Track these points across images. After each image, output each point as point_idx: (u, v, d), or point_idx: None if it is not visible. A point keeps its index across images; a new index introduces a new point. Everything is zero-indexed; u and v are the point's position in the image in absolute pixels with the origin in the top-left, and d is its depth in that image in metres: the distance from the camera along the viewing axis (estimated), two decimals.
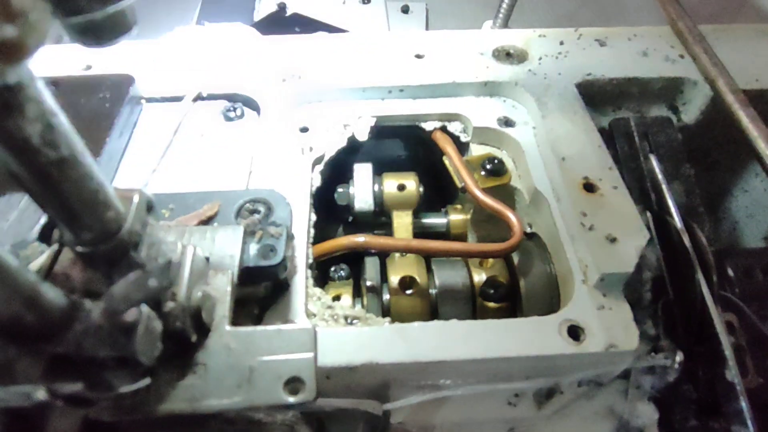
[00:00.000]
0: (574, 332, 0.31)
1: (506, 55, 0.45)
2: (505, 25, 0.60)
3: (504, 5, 0.57)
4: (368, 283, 0.36)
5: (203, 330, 0.24)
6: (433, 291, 0.36)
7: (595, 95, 0.44)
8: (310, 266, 0.33)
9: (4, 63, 0.14)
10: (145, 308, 0.18)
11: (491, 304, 0.35)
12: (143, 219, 0.22)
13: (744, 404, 0.33)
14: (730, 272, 0.40)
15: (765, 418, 0.34)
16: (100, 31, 0.19)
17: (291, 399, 0.23)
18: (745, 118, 0.42)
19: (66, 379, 0.16)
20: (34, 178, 0.18)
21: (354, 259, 0.39)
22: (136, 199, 0.22)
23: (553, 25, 0.51)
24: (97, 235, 0.20)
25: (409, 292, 0.36)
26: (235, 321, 0.26)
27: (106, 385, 0.18)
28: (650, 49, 0.47)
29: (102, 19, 0.18)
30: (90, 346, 0.17)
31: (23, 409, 0.16)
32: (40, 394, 0.16)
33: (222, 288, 0.25)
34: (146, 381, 0.20)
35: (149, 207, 0.23)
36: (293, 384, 0.23)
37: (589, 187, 0.36)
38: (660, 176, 0.41)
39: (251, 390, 0.23)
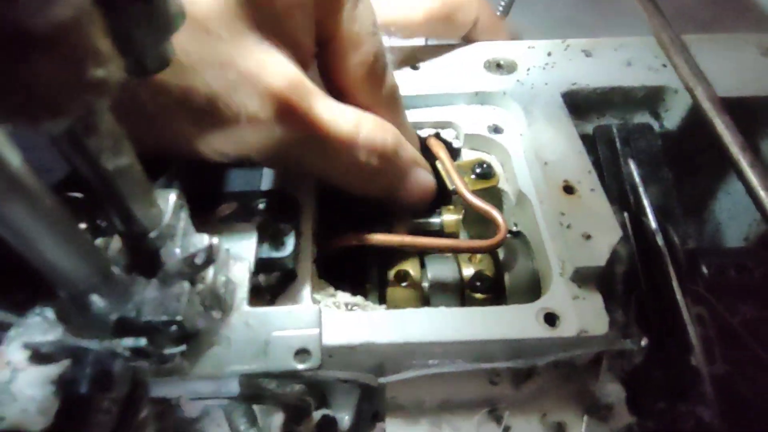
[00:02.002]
0: (550, 319, 0.37)
1: (496, 66, 0.51)
2: None
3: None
4: (367, 277, 0.42)
5: (226, 309, 0.30)
6: (425, 284, 0.42)
7: (580, 104, 0.50)
8: (314, 261, 0.40)
9: (95, 96, 0.20)
10: (186, 284, 0.25)
11: (478, 295, 0.41)
12: (178, 214, 0.28)
13: (707, 387, 0.39)
14: (704, 270, 0.46)
15: (730, 402, 0.40)
16: (150, 65, 0.25)
17: (300, 366, 0.29)
18: (721, 125, 0.48)
19: (130, 336, 0.23)
20: (102, 182, 0.24)
21: (354, 256, 0.45)
22: (172, 197, 0.28)
23: (550, 30, 0.57)
24: (144, 228, 0.26)
25: (404, 284, 0.42)
26: (252, 304, 0.32)
27: (158, 344, 0.24)
28: (634, 59, 0.53)
29: (153, 54, 0.25)
30: (147, 312, 0.23)
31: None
32: (112, 345, 0.22)
33: (241, 275, 0.32)
34: (183, 347, 0.27)
35: (181, 205, 0.29)
36: (302, 354, 0.30)
37: (568, 189, 0.42)
38: (638, 179, 0.47)
39: (267, 358, 0.29)
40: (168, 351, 0.25)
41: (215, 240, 0.27)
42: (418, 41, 0.54)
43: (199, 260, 0.25)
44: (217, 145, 0.34)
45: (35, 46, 0.17)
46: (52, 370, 0.30)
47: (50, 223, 0.20)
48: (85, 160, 0.23)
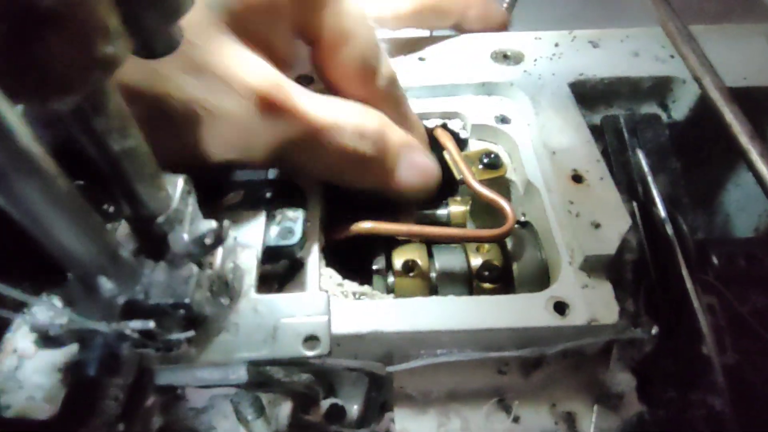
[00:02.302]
0: (560, 307, 0.36)
1: (503, 57, 0.51)
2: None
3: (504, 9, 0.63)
4: (374, 267, 0.42)
5: (234, 296, 0.30)
6: (433, 274, 0.42)
7: (587, 94, 0.50)
8: (322, 249, 0.39)
9: (103, 73, 0.20)
10: (195, 267, 0.24)
11: (486, 285, 0.41)
12: (186, 200, 0.28)
13: (718, 376, 0.39)
14: (714, 260, 0.46)
15: (741, 391, 0.40)
16: (158, 48, 0.25)
17: (309, 353, 0.29)
18: (729, 114, 0.48)
19: (138, 318, 0.22)
20: (109, 163, 0.24)
21: (362, 246, 0.45)
22: (180, 183, 0.28)
23: (556, 26, 0.57)
24: (152, 212, 0.26)
25: (411, 274, 0.42)
26: (260, 291, 0.32)
27: (166, 328, 0.24)
28: (641, 50, 0.53)
29: (161, 37, 0.25)
30: (155, 295, 0.23)
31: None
32: (120, 326, 0.22)
33: (249, 262, 0.31)
34: (191, 333, 0.27)
35: (189, 190, 0.29)
36: (310, 341, 0.29)
37: (577, 178, 0.42)
38: (646, 169, 0.46)
39: (275, 345, 0.29)
40: (176, 336, 0.25)
41: (225, 222, 0.26)
42: (424, 32, 0.54)
43: (208, 240, 0.24)
44: (199, 150, 0.34)
45: (46, 24, 0.17)
46: (59, 357, 0.30)
47: (60, 203, 0.19)
48: (93, 140, 0.23)
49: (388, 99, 0.42)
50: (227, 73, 0.33)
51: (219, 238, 0.25)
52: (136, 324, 0.22)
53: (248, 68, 0.34)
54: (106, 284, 0.22)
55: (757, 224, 0.55)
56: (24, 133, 0.17)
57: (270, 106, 0.34)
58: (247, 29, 0.34)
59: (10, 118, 0.17)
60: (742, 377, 0.41)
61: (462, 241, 0.43)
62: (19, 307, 0.26)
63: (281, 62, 0.37)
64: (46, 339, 0.22)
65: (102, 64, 0.19)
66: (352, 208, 0.44)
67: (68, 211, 0.19)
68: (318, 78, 0.43)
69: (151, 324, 0.22)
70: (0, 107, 0.16)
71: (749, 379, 0.41)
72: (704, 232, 0.58)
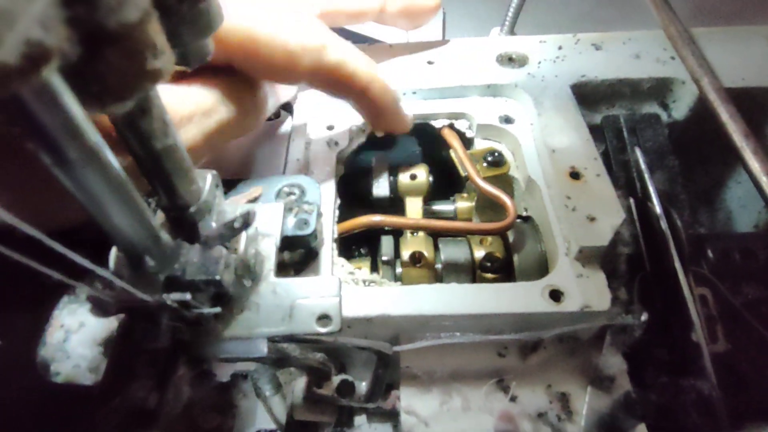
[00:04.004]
0: (555, 295, 0.40)
1: (508, 60, 0.55)
2: (511, 31, 0.70)
3: (510, 14, 0.67)
4: (384, 258, 0.46)
5: (255, 279, 0.34)
6: (438, 265, 0.46)
7: (589, 95, 0.54)
8: (335, 240, 0.44)
9: (152, 83, 0.25)
10: (224, 249, 0.29)
11: (489, 275, 0.45)
12: (214, 193, 0.33)
13: (706, 362, 0.43)
14: (710, 254, 0.49)
15: (731, 379, 0.43)
16: (192, 58, 0.30)
17: (322, 330, 0.33)
18: (725, 114, 0.51)
19: (177, 291, 0.27)
20: (151, 160, 0.28)
21: (372, 238, 0.49)
22: (209, 177, 0.32)
23: (564, 28, 0.60)
24: (185, 203, 0.31)
25: (418, 265, 0.46)
26: (277, 276, 0.36)
27: (199, 302, 0.28)
28: (643, 52, 0.56)
29: (196, 49, 0.29)
30: (191, 272, 0.27)
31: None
32: (162, 298, 0.27)
33: (268, 249, 0.36)
34: (218, 309, 0.31)
35: (217, 184, 0.34)
36: (323, 319, 0.34)
37: (574, 175, 0.45)
38: (643, 166, 0.50)
39: (291, 323, 0.33)
40: (206, 310, 0.29)
41: (251, 209, 0.31)
42: (437, 31, 0.58)
43: (237, 224, 0.29)
44: None
45: (109, 42, 0.22)
46: (100, 332, 0.35)
47: (117, 190, 0.24)
48: (138, 139, 0.27)
49: None
50: None
51: (246, 223, 0.29)
52: (176, 296, 0.27)
53: None
54: (149, 262, 0.27)
55: (756, 221, 0.58)
56: (92, 132, 0.21)
57: None
58: None
59: (82, 119, 0.21)
60: (733, 366, 0.44)
61: (466, 233, 0.47)
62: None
63: None
64: (99, 307, 0.27)
65: (151, 76, 0.24)
66: (363, 202, 0.48)
67: (123, 197, 0.24)
68: None
69: (188, 296, 0.27)
70: (74, 111, 0.21)
71: (740, 367, 0.45)
72: (707, 229, 0.61)
